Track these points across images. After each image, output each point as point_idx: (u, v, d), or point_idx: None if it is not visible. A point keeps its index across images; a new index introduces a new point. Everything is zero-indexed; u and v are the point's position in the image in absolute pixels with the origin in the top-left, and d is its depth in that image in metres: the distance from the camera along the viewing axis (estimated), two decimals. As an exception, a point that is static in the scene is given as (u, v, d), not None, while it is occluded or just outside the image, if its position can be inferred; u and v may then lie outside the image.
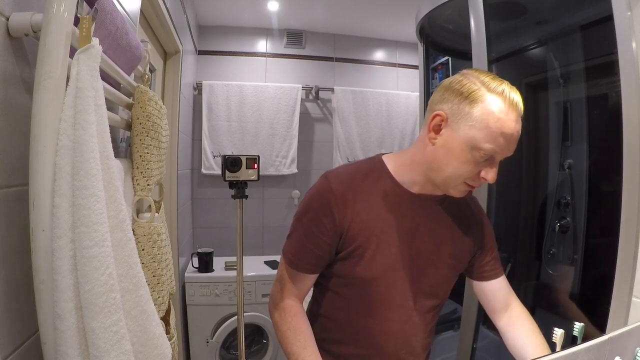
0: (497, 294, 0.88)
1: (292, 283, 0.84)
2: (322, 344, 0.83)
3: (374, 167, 0.84)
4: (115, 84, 0.81)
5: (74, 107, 0.50)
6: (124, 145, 0.96)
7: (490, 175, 0.73)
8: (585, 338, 0.77)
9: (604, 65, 1.28)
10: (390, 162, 0.85)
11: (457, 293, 1.49)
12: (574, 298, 1.46)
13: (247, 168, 1.43)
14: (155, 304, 0.71)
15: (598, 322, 0.97)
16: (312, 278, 0.85)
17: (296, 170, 2.61)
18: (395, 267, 0.81)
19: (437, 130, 0.75)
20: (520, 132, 0.72)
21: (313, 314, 0.89)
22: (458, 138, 0.72)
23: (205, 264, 2.19)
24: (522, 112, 0.72)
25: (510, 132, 0.70)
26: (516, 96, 0.71)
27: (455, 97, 0.73)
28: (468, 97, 0.71)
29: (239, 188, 1.44)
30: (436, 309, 0.88)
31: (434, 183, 0.79)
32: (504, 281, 0.89)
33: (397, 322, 0.83)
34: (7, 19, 0.51)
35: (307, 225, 0.81)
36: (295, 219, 0.84)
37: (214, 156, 2.49)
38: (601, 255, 1.37)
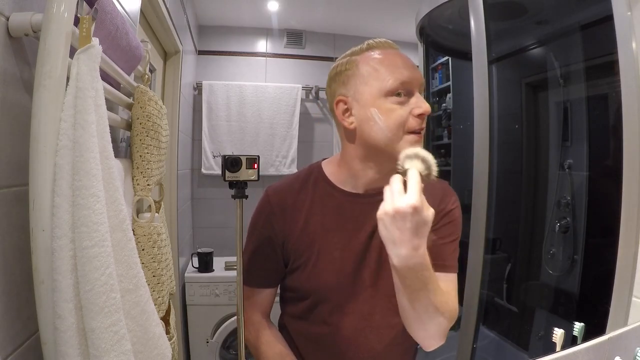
0: None
1: (252, 299, 0.85)
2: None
3: (312, 173, 0.84)
4: (115, 84, 0.81)
5: (74, 107, 0.50)
6: (124, 145, 0.96)
7: (423, 106, 0.70)
8: (586, 338, 0.77)
9: (604, 65, 1.28)
10: (327, 167, 0.83)
11: (457, 293, 1.48)
12: (574, 298, 1.46)
13: (247, 168, 1.42)
14: (155, 304, 0.71)
15: (598, 322, 0.97)
16: (270, 292, 0.86)
17: (296, 170, 2.60)
18: (342, 272, 0.78)
19: (348, 113, 0.74)
20: (407, 56, 0.76)
21: (281, 328, 0.88)
22: (369, 100, 0.71)
23: (205, 264, 2.18)
24: (394, 46, 0.78)
25: (399, 56, 0.74)
26: (379, 39, 0.77)
27: (341, 78, 0.75)
28: (348, 68, 0.75)
29: (239, 188, 1.44)
30: None
31: (380, 164, 0.74)
32: (447, 280, 0.78)
33: (350, 328, 0.78)
34: (7, 19, 0.51)
35: (254, 240, 0.83)
36: (246, 236, 0.86)
37: (214, 156, 2.49)
38: (601, 255, 1.37)
